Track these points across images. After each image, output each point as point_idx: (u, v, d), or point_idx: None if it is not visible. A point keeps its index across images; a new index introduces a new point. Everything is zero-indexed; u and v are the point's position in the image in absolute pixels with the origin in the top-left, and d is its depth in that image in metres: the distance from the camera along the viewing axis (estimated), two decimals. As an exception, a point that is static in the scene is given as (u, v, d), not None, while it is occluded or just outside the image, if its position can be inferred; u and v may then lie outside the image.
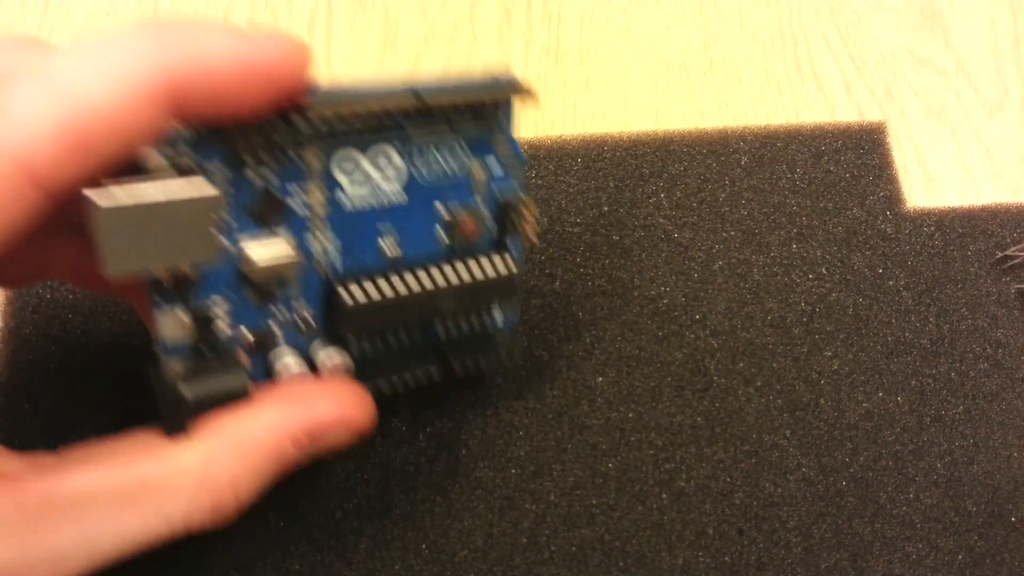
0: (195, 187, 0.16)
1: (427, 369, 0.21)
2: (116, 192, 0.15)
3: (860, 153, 0.27)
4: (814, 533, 0.23)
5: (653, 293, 0.25)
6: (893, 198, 0.27)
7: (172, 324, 0.18)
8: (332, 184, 0.19)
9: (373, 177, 0.19)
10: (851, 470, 0.24)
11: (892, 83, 0.29)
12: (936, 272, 0.26)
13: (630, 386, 0.24)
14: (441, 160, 0.20)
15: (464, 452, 0.23)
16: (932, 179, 0.28)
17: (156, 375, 0.18)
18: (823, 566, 0.23)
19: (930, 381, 0.25)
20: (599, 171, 0.27)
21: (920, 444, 0.24)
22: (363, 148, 0.19)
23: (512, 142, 0.20)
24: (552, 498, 0.23)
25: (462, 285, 0.20)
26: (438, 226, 0.20)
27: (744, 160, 0.27)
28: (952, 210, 0.27)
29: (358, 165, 0.19)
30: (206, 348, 0.18)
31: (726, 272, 0.26)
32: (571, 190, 0.27)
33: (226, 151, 0.17)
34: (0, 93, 0.14)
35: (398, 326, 0.20)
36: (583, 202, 0.26)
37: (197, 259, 0.17)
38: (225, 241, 0.18)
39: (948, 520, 0.23)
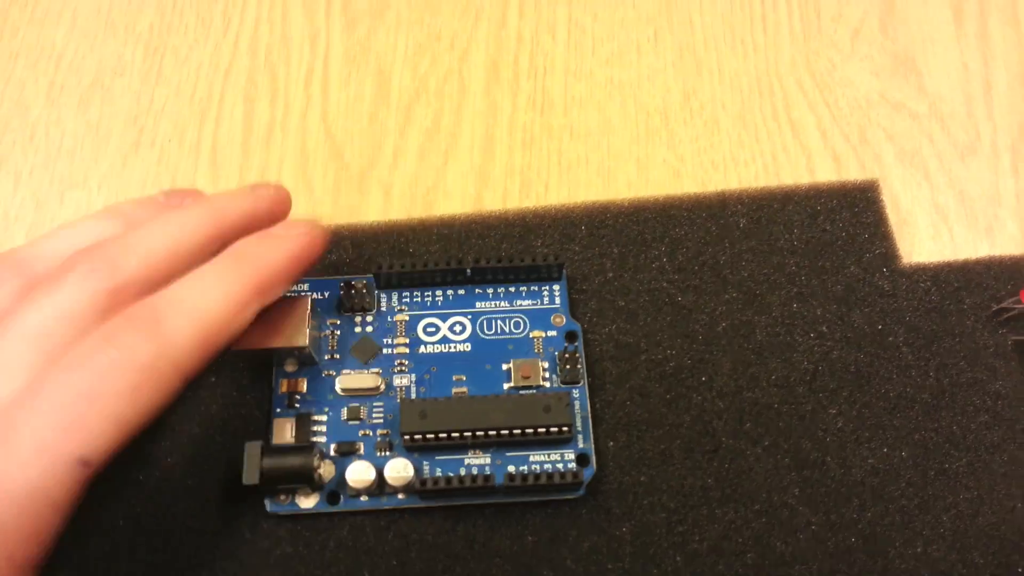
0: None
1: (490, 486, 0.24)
2: None
3: (855, 212, 0.28)
4: (826, 591, 0.23)
5: (660, 357, 0.26)
6: (889, 255, 0.28)
7: (280, 428, 0.25)
8: (415, 337, 0.26)
9: (447, 335, 0.26)
10: (859, 526, 0.24)
11: (867, 128, 0.30)
12: (934, 326, 0.27)
13: (641, 450, 0.25)
14: (503, 325, 0.26)
15: (480, 521, 0.24)
16: (906, 221, 0.29)
17: (249, 450, 0.23)
18: (836, 623, 0.23)
19: (933, 435, 0.25)
20: (603, 237, 0.28)
21: (926, 498, 0.25)
22: (444, 317, 0.26)
23: (566, 312, 0.26)
24: (569, 563, 0.24)
25: (509, 398, 0.24)
26: (503, 369, 0.26)
27: (743, 222, 0.28)
28: (947, 264, 0.28)
29: (438, 328, 0.26)
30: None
31: (730, 334, 0.27)
32: (576, 257, 0.28)
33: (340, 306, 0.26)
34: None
35: (448, 429, 0.24)
36: (588, 269, 0.27)
37: (293, 344, 0.24)
38: (311, 332, 0.24)
39: (956, 573, 0.24)
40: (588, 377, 0.26)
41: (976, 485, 0.25)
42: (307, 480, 0.23)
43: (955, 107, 0.31)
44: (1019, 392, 0.26)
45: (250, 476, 0.23)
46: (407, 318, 0.26)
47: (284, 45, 0.32)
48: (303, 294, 0.26)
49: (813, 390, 0.26)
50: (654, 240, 0.28)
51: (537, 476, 0.23)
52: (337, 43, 0.32)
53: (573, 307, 0.27)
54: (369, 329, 0.26)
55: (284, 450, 0.23)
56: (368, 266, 0.27)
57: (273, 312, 0.24)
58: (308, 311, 0.24)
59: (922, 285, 0.27)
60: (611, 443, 0.25)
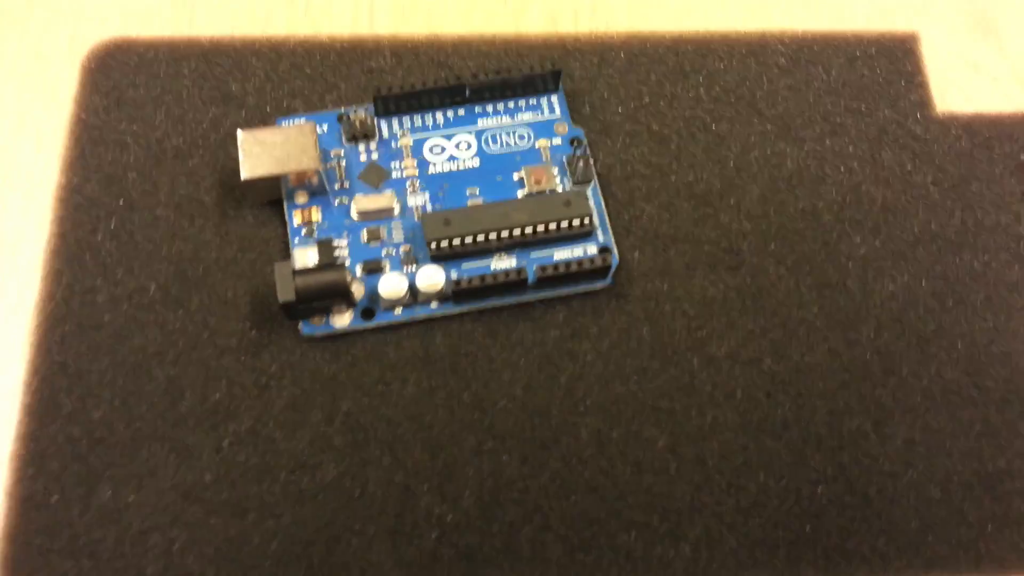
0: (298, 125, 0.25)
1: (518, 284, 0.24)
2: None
3: (893, 59, 0.28)
4: (839, 399, 0.24)
5: (690, 178, 0.27)
6: (923, 103, 0.28)
7: (302, 256, 0.24)
8: (422, 159, 0.26)
9: (454, 154, 0.26)
10: (875, 344, 0.25)
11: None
12: (963, 171, 0.27)
13: (665, 261, 0.25)
14: (508, 139, 0.27)
15: (505, 314, 0.25)
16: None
17: (279, 269, 0.23)
18: (846, 429, 0.24)
19: (953, 269, 0.26)
20: (641, 65, 0.28)
21: (942, 325, 0.25)
22: (448, 137, 0.26)
23: (567, 119, 0.27)
24: (589, 358, 0.24)
25: (528, 199, 0.25)
26: (514, 179, 0.26)
27: (782, 61, 0.28)
28: (980, 115, 0.28)
29: (444, 148, 0.26)
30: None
31: (761, 162, 0.27)
32: (613, 82, 0.28)
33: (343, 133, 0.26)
34: None
35: (473, 231, 0.24)
36: (624, 93, 0.28)
37: (304, 167, 0.24)
38: (319, 157, 0.24)
39: (967, 394, 0.24)
40: (618, 194, 0.26)
41: (992, 317, 0.25)
42: (343, 293, 0.23)
43: None
44: (1042, 236, 0.26)
45: (285, 293, 0.23)
46: (411, 142, 0.26)
47: None
48: (306, 120, 0.26)
49: (839, 219, 0.26)
50: (692, 71, 0.28)
51: (567, 265, 0.24)
52: None
53: (605, 130, 0.27)
54: (374, 156, 0.26)
55: (314, 269, 0.23)
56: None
57: (279, 140, 0.24)
58: (315, 135, 0.24)
59: (954, 132, 0.28)
60: (637, 253, 0.25)
